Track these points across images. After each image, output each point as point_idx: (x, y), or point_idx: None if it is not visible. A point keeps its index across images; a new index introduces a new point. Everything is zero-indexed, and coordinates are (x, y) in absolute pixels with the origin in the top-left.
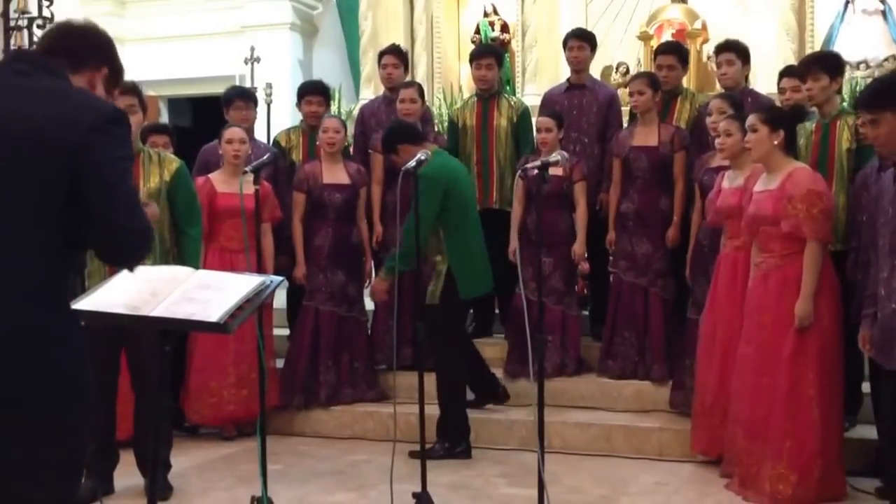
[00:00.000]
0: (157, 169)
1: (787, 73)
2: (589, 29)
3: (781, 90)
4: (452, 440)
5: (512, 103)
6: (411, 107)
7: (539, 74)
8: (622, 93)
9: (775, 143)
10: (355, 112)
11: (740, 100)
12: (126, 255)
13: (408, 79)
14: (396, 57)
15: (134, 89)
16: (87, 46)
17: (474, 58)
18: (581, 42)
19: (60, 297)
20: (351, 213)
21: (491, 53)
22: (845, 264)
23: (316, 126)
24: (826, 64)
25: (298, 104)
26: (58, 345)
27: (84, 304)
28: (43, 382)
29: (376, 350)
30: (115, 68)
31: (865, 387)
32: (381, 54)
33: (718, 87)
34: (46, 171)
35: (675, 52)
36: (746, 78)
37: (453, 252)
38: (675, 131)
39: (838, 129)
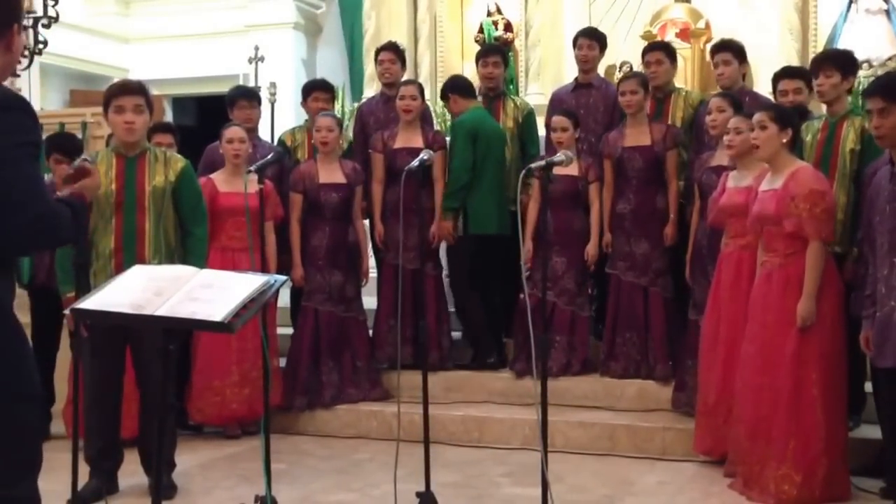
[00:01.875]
0: (162, 168)
1: (785, 74)
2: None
3: (783, 92)
4: (483, 355)
5: (518, 104)
6: (411, 104)
7: (542, 73)
8: None
9: (783, 141)
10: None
11: (740, 99)
12: (35, 241)
13: (406, 76)
14: (393, 53)
15: (141, 89)
16: None
17: (480, 56)
18: (591, 41)
19: None
20: (347, 212)
21: (497, 52)
22: (844, 266)
23: None
24: (839, 62)
25: (304, 102)
26: None
27: (89, 303)
28: None
29: (378, 349)
30: (21, 13)
31: (869, 386)
32: (378, 51)
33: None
34: None
35: (661, 48)
36: (744, 77)
37: (469, 191)
38: (667, 129)
39: (844, 129)
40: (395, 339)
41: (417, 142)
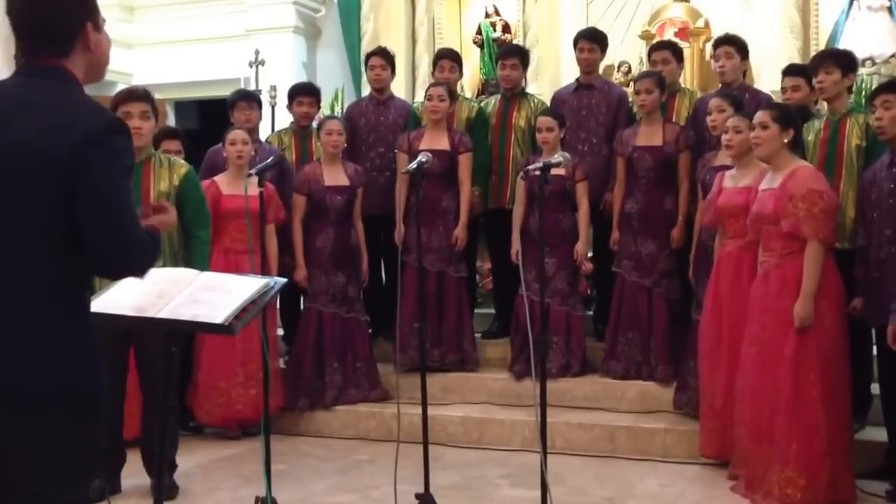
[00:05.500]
0: (166, 173)
1: (789, 71)
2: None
3: (783, 89)
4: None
5: (533, 104)
6: (439, 105)
7: (540, 74)
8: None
9: (785, 141)
10: None
11: (741, 98)
12: (125, 268)
13: (404, 79)
14: (383, 59)
15: (146, 96)
16: (64, 19)
17: (500, 57)
18: (591, 43)
19: (70, 301)
20: (350, 214)
21: (515, 53)
22: (853, 263)
23: (307, 126)
24: (840, 59)
25: (289, 105)
26: (67, 352)
27: (92, 305)
28: (53, 390)
29: (401, 352)
30: (93, 10)
31: (874, 388)
32: (368, 56)
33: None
34: (44, 186)
35: (668, 47)
36: (745, 74)
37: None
38: (680, 131)
39: (848, 126)
40: (418, 342)
41: (443, 143)
